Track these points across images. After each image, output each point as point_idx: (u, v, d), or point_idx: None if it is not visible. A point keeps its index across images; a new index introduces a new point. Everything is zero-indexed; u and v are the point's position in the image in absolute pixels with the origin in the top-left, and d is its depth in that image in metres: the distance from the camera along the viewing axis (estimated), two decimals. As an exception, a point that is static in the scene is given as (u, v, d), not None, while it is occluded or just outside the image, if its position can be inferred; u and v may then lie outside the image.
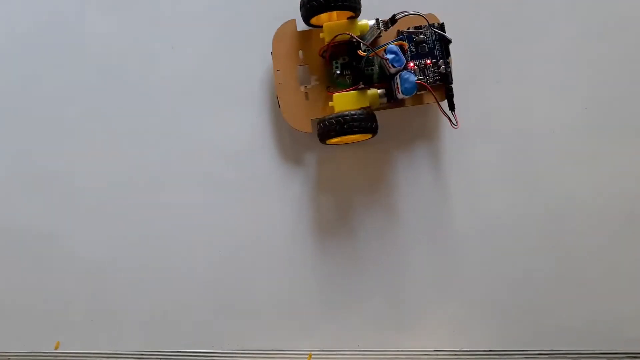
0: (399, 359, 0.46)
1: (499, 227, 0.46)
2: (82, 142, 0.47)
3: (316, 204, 0.46)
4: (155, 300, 0.46)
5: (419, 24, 0.44)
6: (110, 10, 0.48)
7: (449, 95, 0.44)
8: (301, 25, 0.45)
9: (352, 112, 0.42)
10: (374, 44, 0.44)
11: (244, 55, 0.47)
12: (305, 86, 0.45)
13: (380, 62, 0.43)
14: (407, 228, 0.46)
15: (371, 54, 0.43)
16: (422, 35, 0.44)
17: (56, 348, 0.47)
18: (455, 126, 0.44)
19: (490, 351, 0.46)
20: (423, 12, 0.42)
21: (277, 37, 0.45)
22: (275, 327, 0.46)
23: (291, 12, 0.45)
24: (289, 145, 0.47)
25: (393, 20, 0.41)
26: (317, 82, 0.45)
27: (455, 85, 0.44)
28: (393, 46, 0.42)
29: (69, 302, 0.47)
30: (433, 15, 0.44)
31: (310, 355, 0.46)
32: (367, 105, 0.43)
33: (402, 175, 0.46)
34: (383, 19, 0.41)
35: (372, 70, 0.44)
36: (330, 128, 0.42)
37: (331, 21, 0.44)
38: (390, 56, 0.42)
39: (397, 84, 0.43)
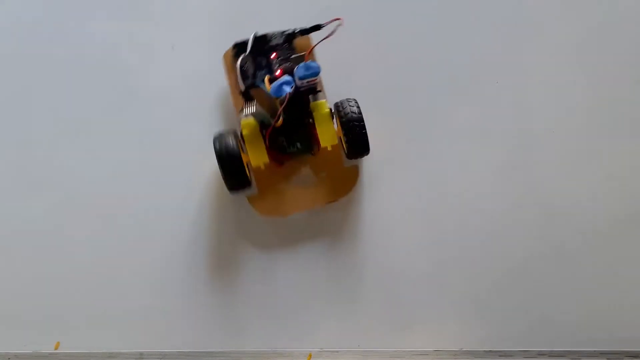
0: (399, 359, 0.46)
1: (498, 226, 0.46)
2: (81, 143, 0.47)
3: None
4: (156, 300, 0.46)
5: None
6: (109, 11, 0.48)
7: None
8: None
9: None
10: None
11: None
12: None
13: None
14: (405, 228, 0.46)
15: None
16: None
17: (56, 348, 0.47)
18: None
19: (490, 351, 0.46)
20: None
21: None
22: (275, 327, 0.46)
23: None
24: None
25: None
26: None
27: (456, 86, 0.44)
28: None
29: (70, 303, 0.47)
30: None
31: (310, 356, 0.46)
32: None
33: (391, 180, 0.46)
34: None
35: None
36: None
37: None
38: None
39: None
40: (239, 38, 0.44)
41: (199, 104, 0.47)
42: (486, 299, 0.46)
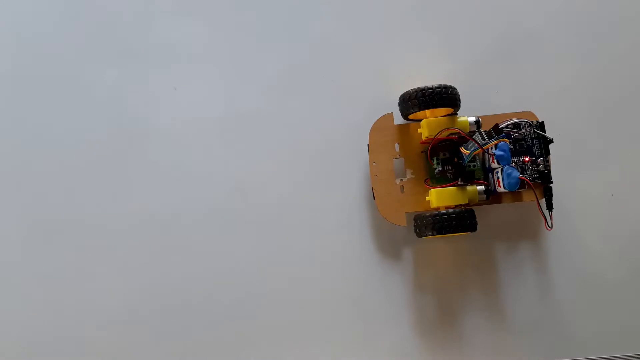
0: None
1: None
2: (92, 188, 0.49)
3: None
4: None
5: (517, 121, 0.44)
6: (117, 59, 0.50)
7: (548, 195, 0.44)
8: (397, 119, 0.46)
9: (450, 211, 0.43)
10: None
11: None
12: (401, 179, 0.46)
13: (480, 157, 0.44)
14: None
15: (476, 152, 0.43)
16: (521, 133, 0.44)
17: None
18: (549, 228, 0.44)
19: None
20: (520, 109, 0.45)
21: (374, 130, 0.46)
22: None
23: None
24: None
25: (497, 130, 0.43)
26: (413, 176, 0.46)
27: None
28: (505, 144, 0.43)
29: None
30: (531, 112, 0.45)
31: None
32: (466, 201, 0.44)
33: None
34: (485, 129, 0.43)
35: (474, 166, 0.45)
36: (427, 226, 0.43)
37: (429, 117, 0.45)
38: (499, 153, 0.42)
39: (497, 177, 0.43)
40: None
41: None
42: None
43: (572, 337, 0.47)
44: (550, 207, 0.44)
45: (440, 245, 0.48)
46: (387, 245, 0.48)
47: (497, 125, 0.44)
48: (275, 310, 0.47)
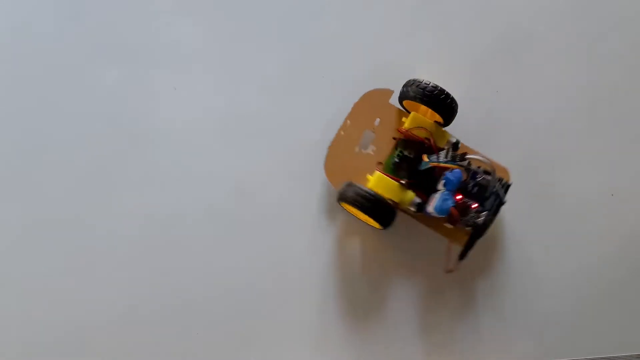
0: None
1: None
2: (92, 188, 0.48)
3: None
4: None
5: (488, 169, 0.43)
6: (117, 59, 0.50)
7: (468, 246, 0.43)
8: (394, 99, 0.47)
9: (375, 195, 0.42)
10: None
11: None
12: (361, 150, 0.46)
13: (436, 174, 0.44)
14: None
15: (433, 164, 0.43)
16: (485, 180, 0.42)
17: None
18: (448, 270, 0.44)
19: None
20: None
21: (368, 96, 0.46)
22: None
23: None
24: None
25: (463, 158, 0.42)
26: (373, 154, 0.46)
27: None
28: (459, 172, 0.42)
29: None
30: (507, 170, 0.45)
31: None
32: (397, 201, 0.44)
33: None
34: (457, 151, 0.43)
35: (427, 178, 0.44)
36: (348, 195, 0.43)
37: (421, 113, 0.45)
38: (449, 176, 0.42)
39: (433, 197, 0.43)
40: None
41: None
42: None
43: (572, 337, 0.47)
44: (462, 257, 0.43)
45: (438, 246, 0.47)
46: (388, 245, 0.48)
47: (464, 154, 0.43)
48: (275, 310, 0.47)
